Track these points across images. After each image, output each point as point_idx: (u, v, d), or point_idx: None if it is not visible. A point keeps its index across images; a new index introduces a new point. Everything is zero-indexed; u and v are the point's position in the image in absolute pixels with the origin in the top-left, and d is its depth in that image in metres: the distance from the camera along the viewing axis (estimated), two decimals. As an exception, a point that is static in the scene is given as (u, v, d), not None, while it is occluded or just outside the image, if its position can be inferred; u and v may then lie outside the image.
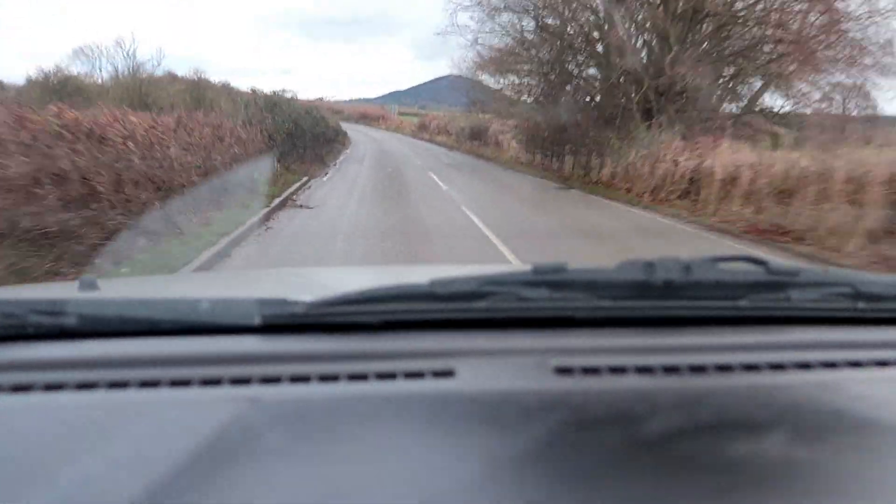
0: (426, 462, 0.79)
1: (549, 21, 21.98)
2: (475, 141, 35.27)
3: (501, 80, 25.83)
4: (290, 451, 0.80)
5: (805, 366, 1.07)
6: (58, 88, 23.77)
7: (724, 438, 0.85)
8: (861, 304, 1.18)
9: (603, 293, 1.12)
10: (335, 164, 23.44)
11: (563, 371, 1.01)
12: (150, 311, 1.14)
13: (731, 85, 20.47)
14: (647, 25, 18.95)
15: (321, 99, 71.14)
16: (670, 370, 1.03)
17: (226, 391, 0.95)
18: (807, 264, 4.42)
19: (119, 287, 1.92)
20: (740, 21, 18.11)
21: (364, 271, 3.36)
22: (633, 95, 18.94)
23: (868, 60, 16.69)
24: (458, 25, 27.39)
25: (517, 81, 25.05)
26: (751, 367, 1.05)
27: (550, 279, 1.11)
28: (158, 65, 26.02)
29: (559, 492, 0.72)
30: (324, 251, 8.48)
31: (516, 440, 0.83)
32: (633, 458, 0.80)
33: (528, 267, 1.13)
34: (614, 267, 1.13)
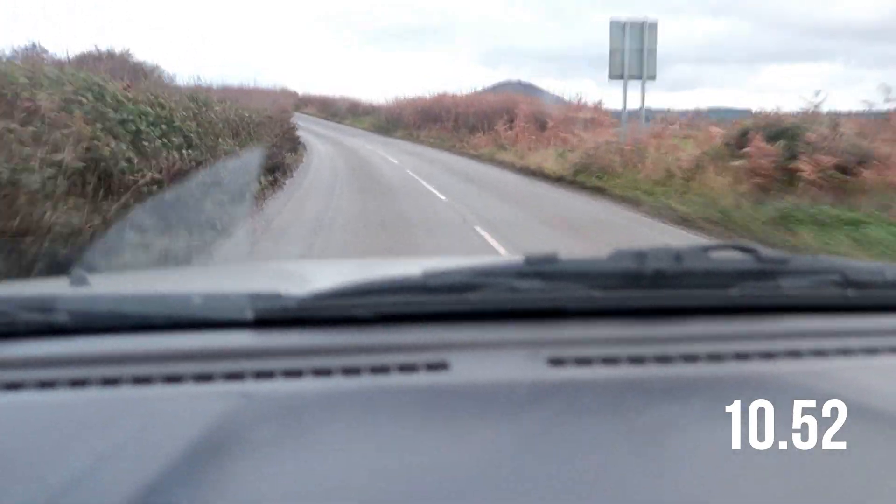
0: (421, 455, 0.79)
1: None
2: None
3: None
4: (283, 446, 0.80)
5: (795, 354, 1.08)
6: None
7: (716, 427, 0.86)
8: (850, 292, 1.18)
9: (595, 283, 1.12)
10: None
11: (556, 362, 1.01)
12: (141, 306, 1.13)
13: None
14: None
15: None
16: (662, 360, 1.03)
17: (218, 387, 0.95)
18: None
19: (110, 282, 1.90)
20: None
21: (355, 264, 3.35)
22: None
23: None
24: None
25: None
26: (742, 356, 1.06)
27: (542, 270, 1.11)
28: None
29: (553, 483, 0.73)
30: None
31: (510, 432, 0.83)
32: (626, 447, 0.81)
33: (519, 257, 1.13)
34: (606, 257, 1.14)
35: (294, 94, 51.99)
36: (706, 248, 1.16)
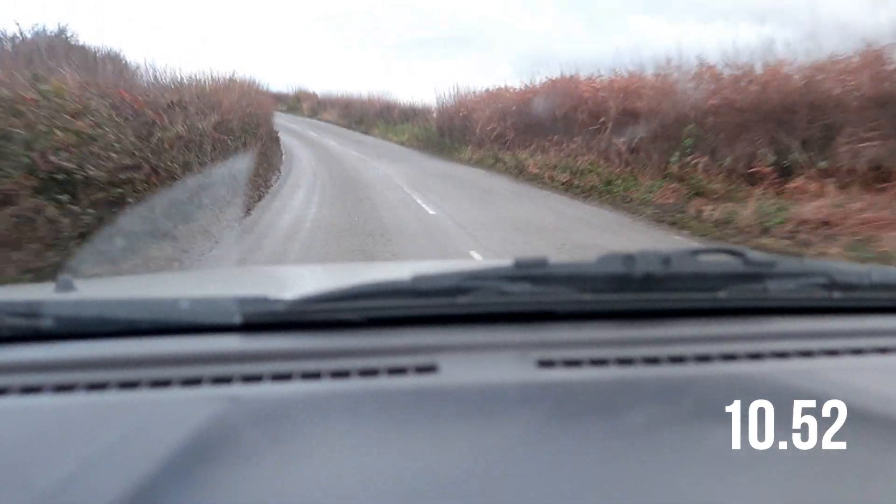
0: (410, 457, 0.79)
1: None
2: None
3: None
4: (272, 450, 0.80)
5: (782, 355, 1.09)
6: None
7: (704, 427, 0.87)
8: (836, 294, 1.20)
9: (584, 286, 1.13)
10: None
11: (546, 364, 1.02)
12: (128, 311, 1.13)
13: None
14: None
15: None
16: (651, 361, 1.04)
17: (206, 391, 0.95)
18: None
19: (97, 287, 1.90)
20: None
21: (343, 269, 3.33)
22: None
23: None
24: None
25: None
26: (729, 357, 1.07)
27: (532, 273, 1.12)
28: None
29: (543, 483, 0.73)
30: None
31: (500, 433, 0.83)
32: (615, 447, 0.81)
33: (509, 261, 1.13)
34: (595, 260, 1.14)
35: (313, 97, 45.64)
36: (694, 252, 1.16)
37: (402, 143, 27.39)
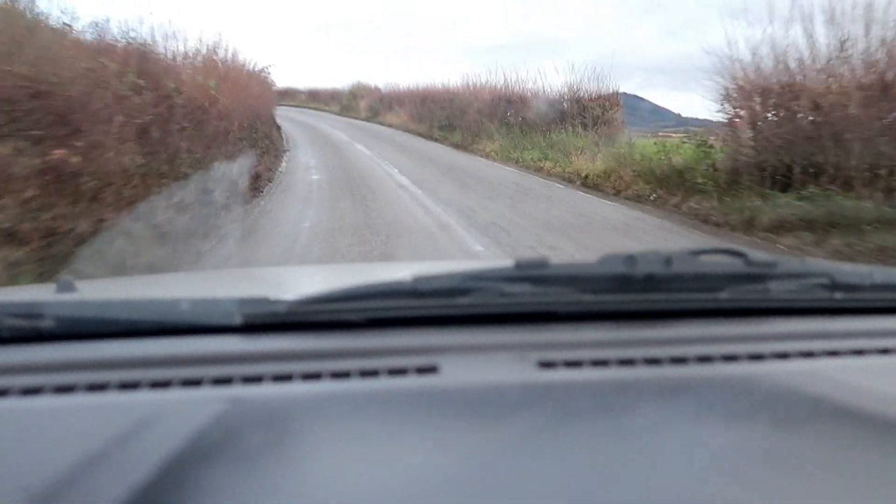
0: (411, 458, 0.79)
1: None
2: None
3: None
4: (272, 451, 0.80)
5: (784, 356, 1.08)
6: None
7: (706, 428, 0.86)
8: (838, 295, 1.19)
9: (585, 287, 1.12)
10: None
11: (546, 365, 1.02)
12: (129, 312, 1.13)
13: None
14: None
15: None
16: (652, 362, 1.04)
17: (207, 392, 0.95)
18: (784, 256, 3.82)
19: (97, 288, 1.88)
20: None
21: (344, 269, 3.33)
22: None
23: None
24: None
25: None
26: (731, 358, 1.06)
27: (532, 274, 1.12)
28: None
29: (544, 484, 0.73)
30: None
31: (500, 434, 0.83)
32: (616, 448, 0.81)
33: (509, 262, 1.13)
34: (596, 261, 1.14)
35: (374, 92, 35.89)
36: (696, 252, 1.17)
37: (584, 184, 12.44)
